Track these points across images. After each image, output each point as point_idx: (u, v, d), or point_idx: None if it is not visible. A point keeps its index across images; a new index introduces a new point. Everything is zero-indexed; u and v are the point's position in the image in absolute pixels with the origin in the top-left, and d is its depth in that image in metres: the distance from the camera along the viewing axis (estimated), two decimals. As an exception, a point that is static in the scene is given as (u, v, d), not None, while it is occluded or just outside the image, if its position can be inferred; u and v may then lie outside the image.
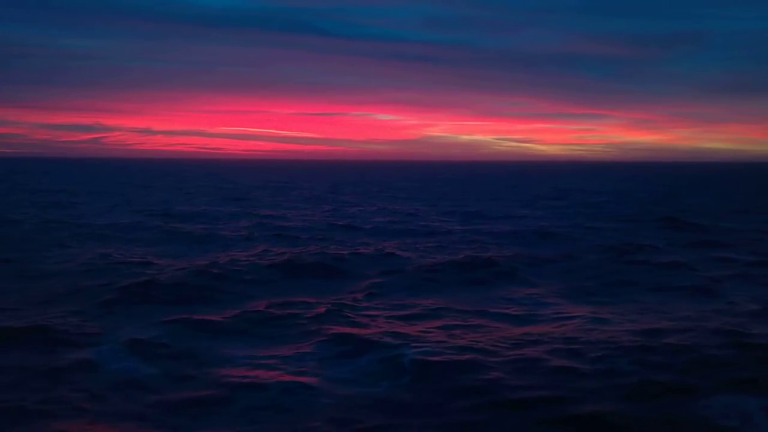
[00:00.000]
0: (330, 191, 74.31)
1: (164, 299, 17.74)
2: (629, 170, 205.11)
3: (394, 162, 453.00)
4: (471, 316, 15.97)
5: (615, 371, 11.43)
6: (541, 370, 11.57)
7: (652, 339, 13.24)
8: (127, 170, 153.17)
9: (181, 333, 14.31)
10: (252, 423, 9.80)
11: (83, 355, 12.63)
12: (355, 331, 14.41)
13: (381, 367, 11.97)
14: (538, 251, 26.26)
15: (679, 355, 12.19)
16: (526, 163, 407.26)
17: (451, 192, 74.56)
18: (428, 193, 72.63)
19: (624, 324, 14.81)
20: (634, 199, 59.71)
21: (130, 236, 30.55)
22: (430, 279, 20.68)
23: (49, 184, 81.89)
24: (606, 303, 17.52)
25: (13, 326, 14.32)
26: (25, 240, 28.44)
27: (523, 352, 12.51)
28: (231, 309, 16.60)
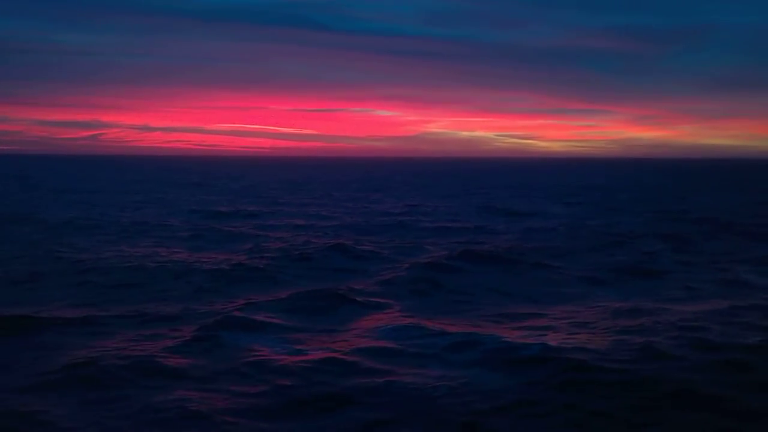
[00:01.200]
0: (340, 188, 74.26)
1: (240, 285, 19.11)
2: (637, 166, 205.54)
3: (394, 159, 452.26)
4: (539, 306, 16.80)
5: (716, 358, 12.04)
6: (633, 350, 12.41)
7: (723, 321, 14.26)
8: (133, 167, 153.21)
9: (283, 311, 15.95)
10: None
11: (195, 330, 13.86)
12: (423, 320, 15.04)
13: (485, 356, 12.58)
14: (587, 244, 27.37)
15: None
16: (530, 160, 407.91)
17: (472, 188, 74.83)
18: (446, 189, 72.83)
19: (688, 308, 15.70)
20: (654, 197, 59.91)
21: (176, 234, 30.86)
22: (497, 277, 20.97)
23: (65, 182, 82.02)
24: (668, 292, 18.43)
25: (110, 314, 15.36)
26: (67, 237, 28.62)
27: (622, 339, 13.15)
28: (294, 291, 18.02)
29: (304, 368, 11.63)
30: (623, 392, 10.38)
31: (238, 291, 18.30)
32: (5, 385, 10.77)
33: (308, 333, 14.08)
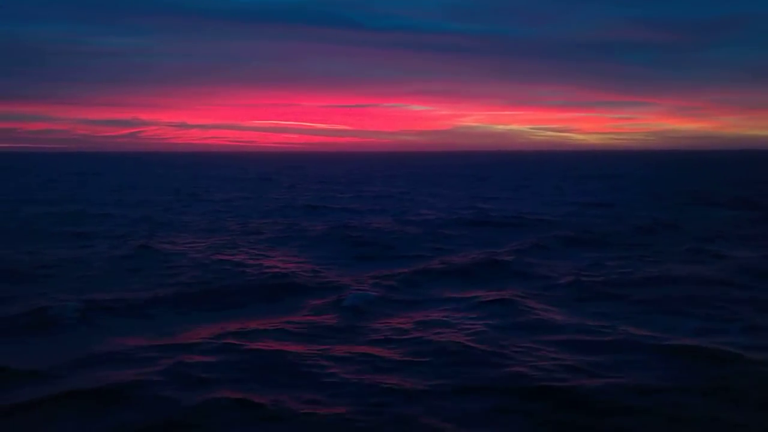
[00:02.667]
0: (398, 183, 73.42)
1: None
2: (682, 158, 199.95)
3: (430, 153, 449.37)
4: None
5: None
6: None
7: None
8: (178, 163, 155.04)
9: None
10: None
11: (329, 304, 15.56)
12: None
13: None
14: (693, 234, 27.40)
15: None
16: (568, 152, 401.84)
17: (522, 180, 74.02)
18: (501, 182, 72.15)
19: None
20: (716, 189, 58.44)
21: (252, 226, 31.13)
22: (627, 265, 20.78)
23: (122, 178, 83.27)
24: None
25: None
26: (155, 231, 28.82)
27: None
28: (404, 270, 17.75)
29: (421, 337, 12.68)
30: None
31: (357, 273, 19.36)
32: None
33: (426, 308, 15.20)
